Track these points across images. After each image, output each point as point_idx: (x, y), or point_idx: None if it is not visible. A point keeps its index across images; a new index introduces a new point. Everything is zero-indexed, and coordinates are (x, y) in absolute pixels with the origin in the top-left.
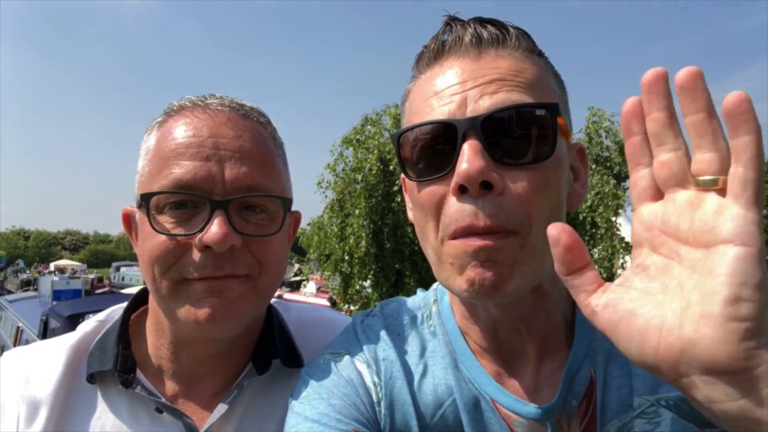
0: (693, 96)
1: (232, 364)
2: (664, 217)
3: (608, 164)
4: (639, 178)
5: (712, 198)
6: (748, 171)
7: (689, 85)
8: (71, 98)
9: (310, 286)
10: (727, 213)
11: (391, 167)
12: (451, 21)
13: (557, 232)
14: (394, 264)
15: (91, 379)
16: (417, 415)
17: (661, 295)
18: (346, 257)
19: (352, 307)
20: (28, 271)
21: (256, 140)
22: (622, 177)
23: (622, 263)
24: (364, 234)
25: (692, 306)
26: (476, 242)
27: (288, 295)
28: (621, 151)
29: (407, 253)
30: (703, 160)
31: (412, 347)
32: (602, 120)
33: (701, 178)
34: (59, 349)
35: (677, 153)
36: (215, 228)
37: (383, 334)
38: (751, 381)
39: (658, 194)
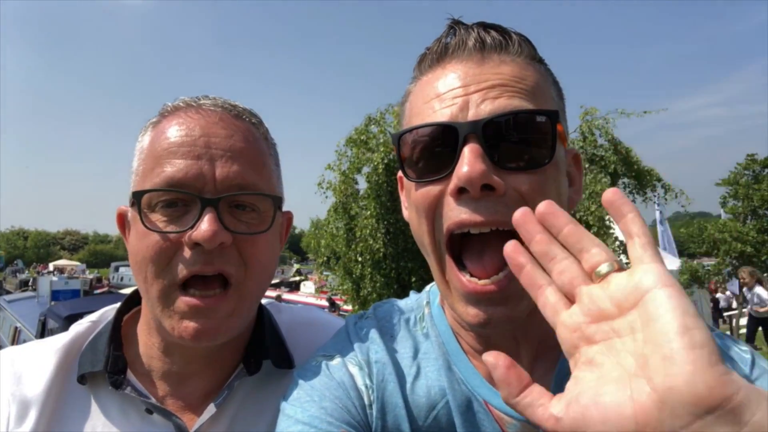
0: (555, 216)
1: (223, 364)
2: (585, 310)
3: (603, 163)
4: (547, 297)
5: (617, 274)
6: (642, 236)
7: (549, 210)
8: (71, 98)
9: (309, 286)
10: (641, 269)
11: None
12: (455, 24)
13: (493, 357)
14: (407, 263)
15: (82, 380)
16: (409, 417)
17: (617, 372)
18: (359, 258)
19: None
20: (26, 272)
21: (248, 140)
22: (617, 176)
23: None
24: (380, 235)
25: (651, 357)
26: (485, 287)
27: (287, 296)
28: (616, 149)
29: (414, 253)
30: (593, 255)
31: (404, 349)
32: (596, 118)
33: (598, 270)
34: (51, 349)
35: (570, 259)
36: (205, 225)
37: (376, 336)
38: (737, 414)
39: (570, 301)
